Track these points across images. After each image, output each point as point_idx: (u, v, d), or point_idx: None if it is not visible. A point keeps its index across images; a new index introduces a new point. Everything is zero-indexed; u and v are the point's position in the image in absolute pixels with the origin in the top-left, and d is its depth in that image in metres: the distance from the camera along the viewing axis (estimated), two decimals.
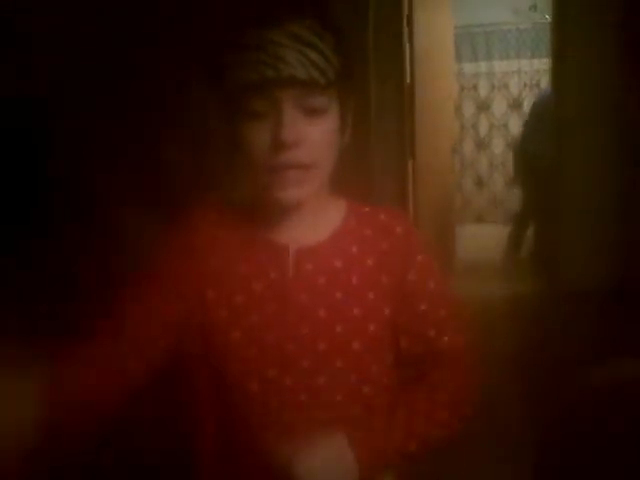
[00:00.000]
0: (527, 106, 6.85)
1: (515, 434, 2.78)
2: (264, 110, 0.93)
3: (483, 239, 6.20)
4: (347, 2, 3.38)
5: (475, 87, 7.07)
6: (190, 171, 2.29)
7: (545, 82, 6.38)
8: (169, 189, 2.24)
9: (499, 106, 7.08)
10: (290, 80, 0.91)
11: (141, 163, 2.29)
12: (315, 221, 1.06)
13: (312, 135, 0.95)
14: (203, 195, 2.03)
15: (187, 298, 1.06)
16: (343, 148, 1.05)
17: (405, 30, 4.69)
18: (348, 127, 1.05)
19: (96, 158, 2.25)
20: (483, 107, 7.08)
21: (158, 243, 1.11)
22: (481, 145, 7.18)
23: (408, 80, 4.78)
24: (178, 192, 2.18)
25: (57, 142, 2.19)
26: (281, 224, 1.05)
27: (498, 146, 7.17)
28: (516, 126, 7.01)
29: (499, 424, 2.81)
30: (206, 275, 1.05)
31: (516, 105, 7.01)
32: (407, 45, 4.73)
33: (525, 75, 6.91)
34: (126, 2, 2.22)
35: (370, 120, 3.63)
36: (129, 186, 2.28)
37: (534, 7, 6.59)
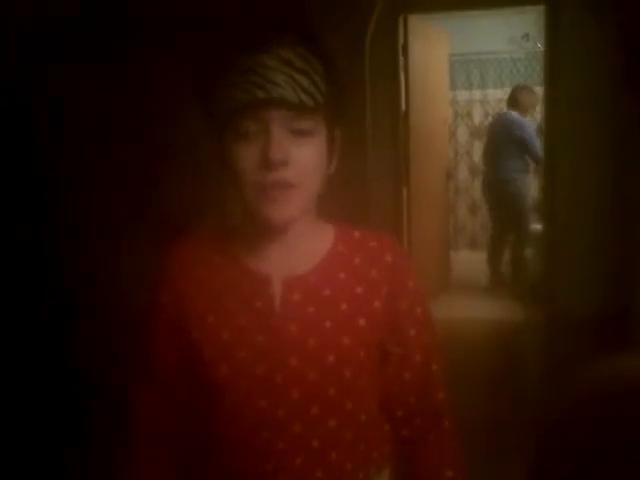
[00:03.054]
0: None
1: (511, 439, 2.79)
2: (253, 130, 0.94)
3: (477, 264, 6.23)
4: (344, 31, 3.44)
5: (469, 114, 7.15)
6: (179, 195, 2.31)
7: (538, 109, 6.45)
8: (158, 213, 2.27)
9: None
10: (279, 101, 0.92)
11: (129, 188, 2.32)
12: (302, 248, 1.06)
13: (299, 156, 0.96)
14: (190, 222, 2.06)
15: (175, 340, 1.09)
16: (334, 174, 1.06)
17: (400, 59, 4.76)
18: (335, 153, 1.05)
19: (84, 186, 2.28)
20: (477, 134, 7.15)
21: (145, 283, 1.15)
22: (475, 171, 7.24)
23: (403, 107, 4.84)
24: (167, 217, 2.20)
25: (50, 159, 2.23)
26: (267, 252, 1.05)
27: None
28: None
29: (494, 433, 2.82)
30: (191, 313, 1.06)
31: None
32: (402, 73, 4.79)
33: None
34: (123, 24, 2.26)
35: (366, 147, 3.68)
36: (118, 210, 2.31)
37: (527, 36, 6.68)
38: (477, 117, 7.15)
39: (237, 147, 0.96)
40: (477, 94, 7.09)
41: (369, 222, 3.46)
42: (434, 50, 5.31)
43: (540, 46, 5.72)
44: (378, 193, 4.32)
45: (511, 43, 6.80)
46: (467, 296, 5.57)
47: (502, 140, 5.38)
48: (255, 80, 0.92)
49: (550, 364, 4.00)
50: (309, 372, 1.00)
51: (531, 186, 6.64)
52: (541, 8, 4.86)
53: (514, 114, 5.40)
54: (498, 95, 6.97)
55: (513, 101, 5.47)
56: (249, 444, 1.01)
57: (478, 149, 7.20)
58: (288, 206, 0.97)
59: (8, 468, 1.96)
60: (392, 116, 4.72)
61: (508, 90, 5.79)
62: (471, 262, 5.84)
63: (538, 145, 5.24)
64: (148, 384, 1.14)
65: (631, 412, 0.52)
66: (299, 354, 1.00)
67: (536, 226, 5.44)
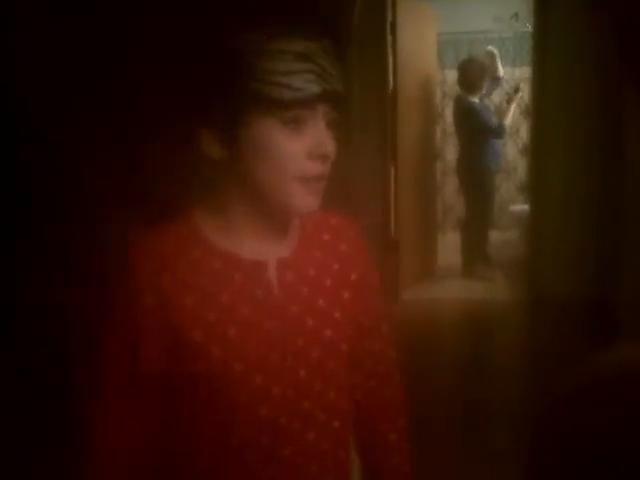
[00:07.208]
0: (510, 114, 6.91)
1: (497, 420, 2.80)
2: (301, 119, 0.93)
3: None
4: (331, 10, 3.39)
5: None
6: (164, 180, 2.28)
7: (526, 90, 6.42)
8: (142, 198, 2.23)
9: None
10: (333, 95, 0.94)
11: (126, 171, 2.29)
12: (286, 231, 1.06)
13: (333, 147, 0.98)
14: (174, 207, 2.02)
15: (165, 342, 0.99)
16: None
17: (389, 37, 4.72)
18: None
19: (83, 166, 2.25)
20: None
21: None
22: None
23: (391, 87, 4.81)
24: (150, 202, 2.17)
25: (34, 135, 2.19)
26: (258, 238, 1.03)
27: None
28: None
29: (486, 424, 2.83)
30: (187, 315, 0.98)
31: (497, 112, 7.05)
32: (390, 52, 4.75)
33: (506, 83, 6.95)
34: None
35: (353, 127, 3.65)
36: (113, 193, 2.28)
37: (516, 16, 6.64)
38: None
39: (280, 135, 0.93)
40: None
41: (356, 203, 3.44)
42: (422, 29, 5.27)
43: (529, 26, 5.69)
44: (365, 173, 4.29)
45: (499, 22, 6.77)
46: (453, 278, 5.58)
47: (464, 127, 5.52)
48: (313, 69, 0.91)
49: (536, 346, 4.02)
50: (312, 350, 1.02)
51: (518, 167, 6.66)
52: None
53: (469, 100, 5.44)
54: None
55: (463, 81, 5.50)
56: (245, 421, 1.00)
57: None
58: (318, 198, 0.98)
59: None
60: (380, 95, 4.68)
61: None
62: (458, 243, 5.83)
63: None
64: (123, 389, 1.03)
65: (627, 399, 0.50)
66: (302, 334, 1.02)
67: (523, 207, 5.44)
